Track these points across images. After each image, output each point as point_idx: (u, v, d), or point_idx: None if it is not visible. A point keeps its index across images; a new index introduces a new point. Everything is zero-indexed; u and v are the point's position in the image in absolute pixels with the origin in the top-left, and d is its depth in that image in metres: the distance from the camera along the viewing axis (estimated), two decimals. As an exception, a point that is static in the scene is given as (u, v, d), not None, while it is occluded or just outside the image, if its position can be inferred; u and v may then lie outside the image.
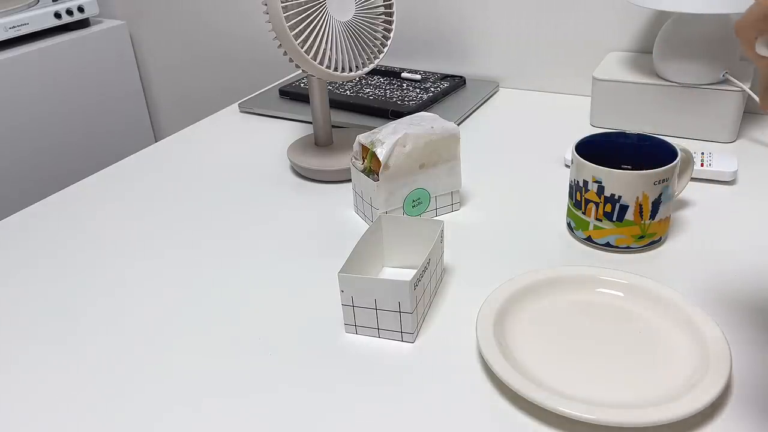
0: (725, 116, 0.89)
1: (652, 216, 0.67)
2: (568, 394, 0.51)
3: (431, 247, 0.60)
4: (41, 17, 1.32)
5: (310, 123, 1.06)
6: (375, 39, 0.83)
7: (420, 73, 1.15)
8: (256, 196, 0.85)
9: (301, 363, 0.57)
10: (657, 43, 0.92)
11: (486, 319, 0.57)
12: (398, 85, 1.12)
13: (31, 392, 0.56)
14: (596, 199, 0.67)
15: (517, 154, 0.91)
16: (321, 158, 0.88)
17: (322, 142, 0.91)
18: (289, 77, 1.25)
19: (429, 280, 0.61)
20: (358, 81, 1.15)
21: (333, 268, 0.69)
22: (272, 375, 0.56)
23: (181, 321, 0.63)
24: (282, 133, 1.04)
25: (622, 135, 0.72)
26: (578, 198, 0.69)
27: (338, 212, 0.80)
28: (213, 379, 0.56)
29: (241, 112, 1.13)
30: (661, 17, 1.00)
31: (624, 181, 0.65)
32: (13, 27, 1.27)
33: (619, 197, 0.66)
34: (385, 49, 0.85)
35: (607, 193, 0.66)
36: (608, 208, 0.67)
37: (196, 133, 1.07)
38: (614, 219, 0.67)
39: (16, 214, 0.85)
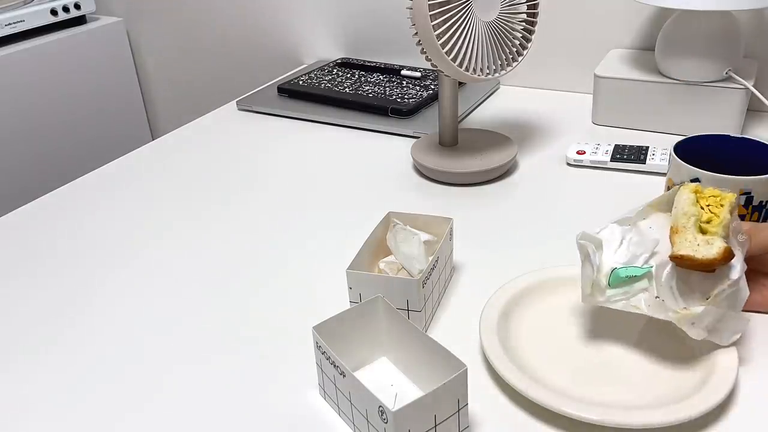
0: (728, 114, 0.89)
1: None
2: (573, 395, 0.50)
3: (440, 245, 0.60)
4: (37, 14, 1.31)
5: (309, 121, 1.05)
6: (513, 40, 0.80)
7: (420, 71, 1.15)
8: (256, 196, 0.85)
9: (309, 363, 0.57)
10: (659, 41, 0.92)
11: (489, 319, 0.56)
12: (398, 83, 1.12)
13: (28, 393, 0.55)
14: (743, 212, 0.63)
15: (518, 153, 0.91)
16: (447, 159, 0.85)
17: (447, 142, 0.88)
18: (287, 75, 1.24)
19: (438, 277, 0.60)
20: (357, 78, 1.14)
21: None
22: (282, 371, 0.55)
23: (175, 322, 0.63)
24: (280, 131, 1.03)
25: (720, 138, 0.70)
26: None
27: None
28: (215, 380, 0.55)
29: (239, 109, 1.12)
30: (663, 14, 1.00)
31: None
32: (9, 24, 1.26)
33: (766, 203, 0.63)
34: (525, 52, 0.81)
35: (755, 203, 0.63)
36: (756, 216, 0.63)
37: (194, 131, 1.06)
38: None
39: (12, 212, 0.84)
